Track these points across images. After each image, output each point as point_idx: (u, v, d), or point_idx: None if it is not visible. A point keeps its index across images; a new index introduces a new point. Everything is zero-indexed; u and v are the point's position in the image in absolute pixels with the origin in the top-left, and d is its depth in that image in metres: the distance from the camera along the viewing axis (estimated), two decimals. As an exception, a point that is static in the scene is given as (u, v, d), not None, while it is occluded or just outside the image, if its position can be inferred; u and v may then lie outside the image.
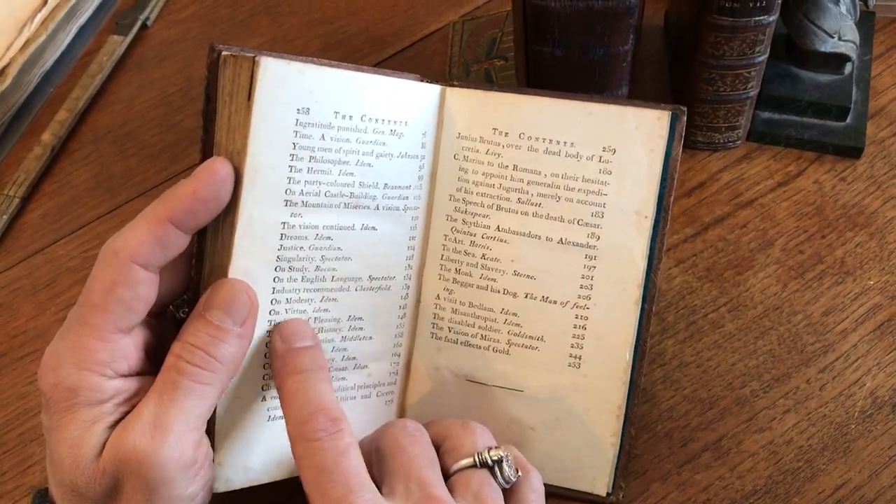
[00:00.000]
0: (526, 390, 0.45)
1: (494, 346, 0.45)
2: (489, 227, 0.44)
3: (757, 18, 0.50)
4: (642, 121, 0.43)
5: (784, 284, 0.52)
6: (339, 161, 0.40)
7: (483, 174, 0.44)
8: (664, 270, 0.53)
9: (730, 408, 0.48)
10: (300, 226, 0.40)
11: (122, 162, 0.63)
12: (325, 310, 0.42)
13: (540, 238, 0.44)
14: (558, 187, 0.43)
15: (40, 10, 0.67)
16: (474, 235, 0.44)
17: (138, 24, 0.69)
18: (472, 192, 0.44)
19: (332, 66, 0.40)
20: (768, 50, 0.52)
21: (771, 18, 0.50)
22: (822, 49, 0.56)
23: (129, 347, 0.37)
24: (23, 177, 0.61)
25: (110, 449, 0.36)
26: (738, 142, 0.58)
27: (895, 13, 0.63)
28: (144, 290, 0.37)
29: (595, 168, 0.43)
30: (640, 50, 0.62)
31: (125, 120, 0.65)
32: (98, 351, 0.36)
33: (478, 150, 0.44)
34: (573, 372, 0.44)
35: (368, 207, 0.42)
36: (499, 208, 0.44)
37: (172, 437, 0.36)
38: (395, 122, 0.42)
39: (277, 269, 0.40)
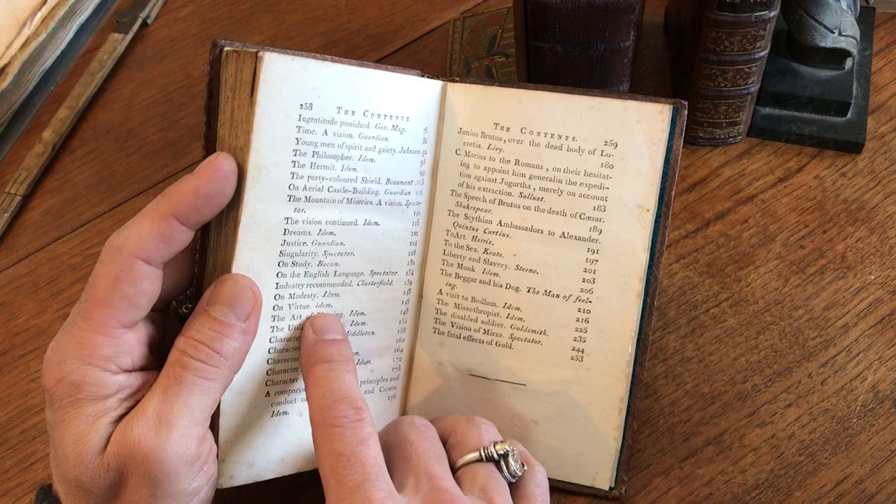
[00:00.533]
0: (529, 384, 0.45)
1: (497, 341, 0.45)
2: (491, 222, 0.44)
3: (757, 14, 0.50)
4: (644, 114, 0.43)
5: (785, 279, 0.52)
6: (342, 156, 0.40)
7: (485, 169, 0.44)
8: (665, 266, 0.53)
9: (731, 402, 0.48)
10: (303, 221, 0.40)
11: (123, 159, 0.63)
12: (328, 305, 0.42)
13: (542, 232, 0.44)
14: (560, 181, 0.43)
15: (40, 8, 0.67)
16: (476, 230, 0.44)
17: (138, 21, 0.70)
18: (473, 187, 0.44)
19: (334, 61, 0.40)
20: (769, 46, 0.52)
21: (771, 14, 0.50)
22: (823, 44, 0.56)
23: (132, 343, 0.37)
24: (24, 174, 0.61)
25: (114, 444, 0.36)
26: (739, 137, 0.58)
27: (895, 8, 0.63)
28: (148, 286, 0.37)
29: (597, 162, 0.43)
30: (640, 46, 0.62)
31: (126, 117, 0.65)
32: (102, 346, 0.36)
33: (479, 145, 0.44)
34: (576, 366, 0.44)
35: (371, 203, 0.42)
36: (501, 203, 0.44)
37: (176, 432, 0.36)
38: (397, 117, 0.42)
39: (281, 264, 0.40)
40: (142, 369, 0.38)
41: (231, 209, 0.38)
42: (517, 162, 0.44)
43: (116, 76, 0.68)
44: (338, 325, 0.41)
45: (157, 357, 0.39)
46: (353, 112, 0.40)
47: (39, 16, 0.67)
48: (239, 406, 0.40)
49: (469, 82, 0.44)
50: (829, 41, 0.56)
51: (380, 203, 0.42)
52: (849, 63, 0.58)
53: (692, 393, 0.49)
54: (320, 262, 0.41)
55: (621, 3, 0.48)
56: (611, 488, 0.45)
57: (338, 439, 0.36)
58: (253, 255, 0.39)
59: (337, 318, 0.42)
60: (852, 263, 0.52)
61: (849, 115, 0.57)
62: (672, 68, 0.61)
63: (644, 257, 0.43)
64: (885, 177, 0.56)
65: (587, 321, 0.44)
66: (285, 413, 0.42)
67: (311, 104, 0.39)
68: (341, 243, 0.41)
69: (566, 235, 0.44)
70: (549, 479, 0.42)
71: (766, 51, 0.53)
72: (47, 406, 0.37)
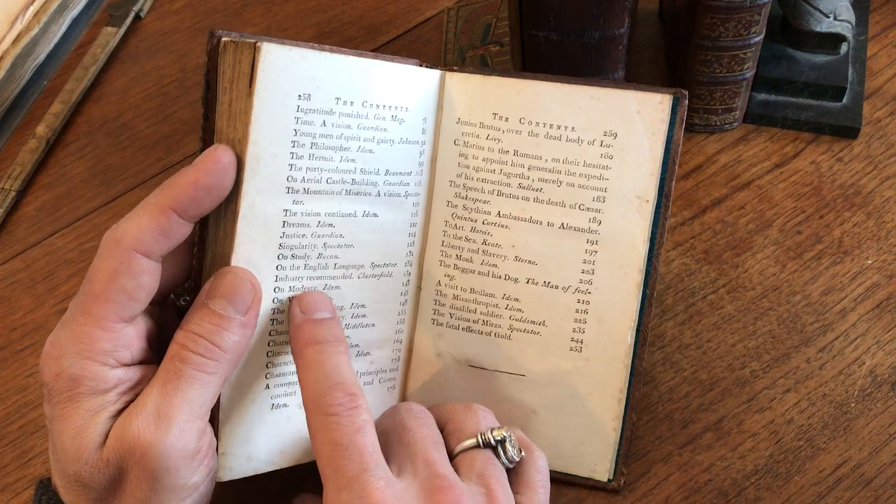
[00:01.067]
0: (528, 375, 0.45)
1: (496, 332, 0.45)
2: (490, 213, 0.44)
3: (752, -1, 0.50)
4: (644, 105, 0.43)
5: (782, 265, 0.52)
6: (341, 147, 0.40)
7: (483, 160, 0.44)
8: (662, 253, 0.53)
9: (730, 388, 0.48)
10: (302, 213, 0.40)
11: (117, 153, 0.63)
12: (329, 298, 0.42)
13: (541, 223, 0.44)
14: (559, 172, 0.43)
15: (32, 2, 0.66)
16: (475, 221, 0.44)
17: (131, 15, 0.69)
18: (472, 178, 0.44)
19: (333, 51, 0.40)
20: (764, 31, 0.52)
21: (766, -1, 0.50)
22: (818, 29, 0.56)
23: (131, 336, 0.37)
24: (18, 170, 0.61)
25: (114, 439, 0.36)
26: (735, 124, 0.58)
27: (889, -7, 0.63)
28: (147, 279, 0.37)
29: (596, 152, 0.43)
30: (635, 33, 0.62)
31: (120, 111, 0.65)
32: (100, 340, 0.36)
33: (478, 136, 0.44)
34: (575, 356, 0.44)
35: (370, 194, 0.42)
36: (499, 194, 0.44)
37: (176, 426, 0.36)
38: (395, 107, 0.42)
39: (280, 256, 0.40)
40: (141, 363, 0.38)
41: (230, 201, 0.38)
42: (516, 153, 0.44)
43: (110, 70, 0.67)
44: (326, 301, 0.40)
45: (155, 351, 0.39)
46: (351, 103, 0.40)
47: (31, 10, 0.66)
48: (238, 399, 0.40)
49: (468, 72, 0.44)
50: (825, 26, 0.56)
51: (379, 194, 0.42)
52: (844, 48, 0.58)
53: (690, 379, 0.49)
54: (320, 255, 0.41)
55: (616, -10, 0.48)
56: (609, 480, 0.45)
57: (334, 428, 0.36)
58: (252, 248, 0.39)
59: (324, 294, 0.41)
60: (849, 248, 0.53)
61: (844, 100, 0.57)
62: (667, 55, 0.61)
63: (644, 248, 0.43)
64: (882, 161, 0.56)
65: (586, 312, 0.44)
66: (285, 405, 0.42)
67: (310, 95, 0.38)
68: (341, 235, 0.41)
69: (565, 226, 0.44)
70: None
71: (762, 36, 0.53)
72: (46, 401, 0.37)
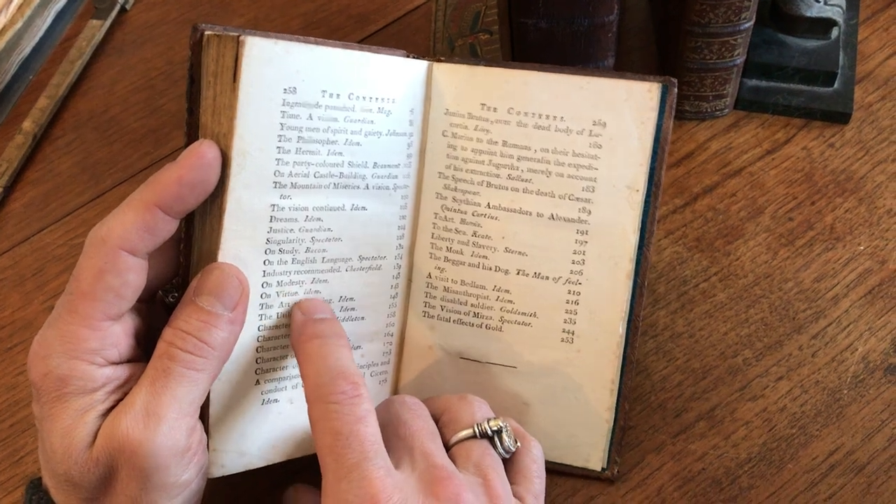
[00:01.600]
0: (519, 366, 0.45)
1: (487, 324, 0.45)
2: (479, 205, 0.44)
3: (742, -15, 0.50)
4: (633, 93, 0.42)
5: (774, 252, 0.52)
6: (328, 141, 0.40)
7: (472, 151, 0.44)
8: (654, 242, 0.53)
9: (723, 377, 0.48)
10: (289, 208, 0.39)
11: (105, 148, 0.62)
12: (317, 291, 0.42)
13: (531, 214, 0.43)
14: (548, 162, 0.43)
15: (16, -5, 0.66)
16: (465, 213, 0.44)
17: (117, 7, 0.68)
18: (461, 170, 0.44)
19: (318, 43, 0.39)
20: (754, 16, 0.52)
21: (756, -16, 0.50)
22: (808, 14, 0.56)
23: (118, 334, 0.37)
24: (5, 166, 0.61)
25: (103, 438, 0.36)
26: (726, 110, 0.58)
27: (880, -23, 0.62)
28: (133, 277, 0.37)
29: (585, 142, 0.43)
30: (625, 20, 0.62)
31: (107, 105, 0.64)
32: (88, 339, 0.36)
33: (466, 127, 0.44)
34: (566, 347, 0.44)
35: (358, 187, 0.42)
36: (489, 185, 0.44)
37: (165, 424, 0.36)
38: (382, 99, 0.42)
39: (268, 251, 0.39)
40: (129, 361, 0.38)
41: (216, 197, 0.38)
42: (504, 143, 0.43)
43: (96, 63, 0.67)
44: (326, 307, 0.41)
45: (144, 348, 0.39)
46: (337, 95, 0.40)
47: (15, 3, 0.66)
48: (229, 395, 0.40)
49: (455, 62, 0.44)
50: (815, 10, 0.56)
51: (367, 187, 0.42)
52: (835, 32, 0.57)
53: (683, 368, 0.49)
54: (308, 249, 0.41)
55: (605, -23, 0.47)
56: (603, 469, 0.45)
57: (335, 417, 0.36)
58: (239, 243, 0.38)
59: (325, 301, 0.41)
60: (841, 234, 0.52)
61: (836, 86, 0.57)
62: (658, 42, 0.61)
63: (634, 238, 0.43)
64: (873, 146, 0.55)
65: (577, 303, 0.44)
66: (275, 401, 0.42)
67: (295, 88, 0.38)
68: (329, 229, 0.41)
69: (555, 217, 0.43)
70: None
71: (752, 22, 0.52)
72: (34, 400, 0.37)
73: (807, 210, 0.54)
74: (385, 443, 0.38)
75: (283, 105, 0.38)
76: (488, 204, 0.44)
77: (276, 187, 0.39)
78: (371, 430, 0.36)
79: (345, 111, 0.40)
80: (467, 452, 0.39)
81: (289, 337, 0.41)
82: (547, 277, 0.44)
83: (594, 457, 0.45)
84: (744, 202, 0.54)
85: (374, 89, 0.41)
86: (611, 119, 0.42)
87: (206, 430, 0.39)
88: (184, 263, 0.39)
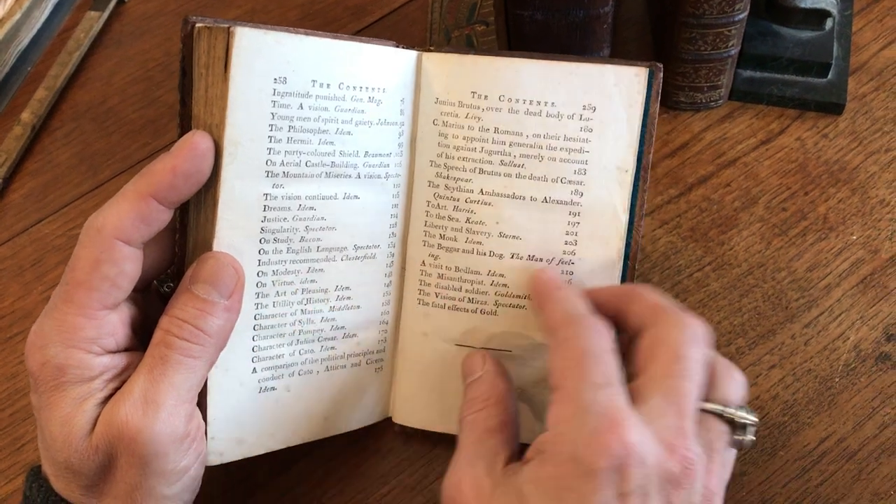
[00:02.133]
0: (514, 350, 0.45)
1: (482, 308, 0.45)
2: (472, 191, 0.44)
3: (736, -25, 0.50)
4: (621, 78, 0.43)
5: (768, 242, 0.52)
6: (319, 130, 0.40)
7: (464, 138, 0.44)
8: (649, 232, 0.53)
9: (716, 365, 0.49)
10: (282, 197, 0.40)
11: (103, 139, 0.62)
12: (313, 280, 0.42)
13: (524, 198, 0.44)
14: (541, 147, 0.44)
15: (14, -13, 0.66)
16: (457, 200, 0.45)
17: (115, -2, 0.69)
18: (453, 157, 0.44)
19: (308, 34, 0.39)
20: (748, 8, 0.52)
21: (750, -25, 0.50)
22: (802, 5, 0.56)
23: (115, 323, 0.38)
24: (4, 157, 0.61)
25: (102, 425, 0.36)
26: (721, 101, 0.58)
27: (875, -33, 0.62)
28: (129, 266, 0.37)
29: (576, 126, 0.44)
30: (620, 11, 0.62)
31: (105, 96, 0.65)
32: (85, 328, 0.36)
33: (457, 115, 0.44)
34: None
35: (350, 176, 0.42)
36: (481, 172, 0.44)
37: (164, 411, 0.36)
38: (372, 88, 0.42)
39: (262, 241, 0.40)
40: (126, 350, 0.38)
41: (209, 187, 0.38)
42: (496, 130, 0.44)
43: (94, 55, 0.67)
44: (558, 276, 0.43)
45: (140, 337, 0.39)
46: (328, 85, 0.40)
47: (13, -5, 0.66)
48: (226, 384, 0.40)
49: (444, 51, 0.44)
50: (809, 1, 0.56)
51: (359, 176, 0.42)
52: (829, 23, 0.57)
53: (677, 357, 0.49)
54: (302, 238, 0.41)
55: (599, -33, 0.47)
56: None
57: (589, 337, 0.37)
58: (233, 233, 0.39)
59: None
60: (834, 224, 0.53)
61: (830, 76, 0.57)
62: (653, 33, 0.61)
63: (624, 217, 0.44)
64: (867, 137, 0.56)
65: (570, 283, 0.44)
66: (273, 389, 0.42)
67: (286, 78, 0.38)
68: (322, 218, 0.41)
69: (548, 200, 0.44)
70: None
71: (746, 13, 0.52)
72: (32, 390, 0.38)
73: (800, 200, 0.54)
74: (646, 365, 0.37)
75: (274, 95, 0.38)
76: (481, 190, 0.44)
77: (268, 176, 0.39)
78: (617, 366, 0.36)
79: (335, 101, 0.40)
80: (707, 427, 0.36)
81: (289, 325, 0.41)
82: (540, 259, 0.44)
83: None
84: (738, 192, 0.54)
85: (363, 79, 0.41)
86: (600, 103, 0.43)
87: (204, 418, 0.40)
88: (179, 253, 0.40)
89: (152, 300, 0.42)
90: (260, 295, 0.40)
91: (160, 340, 0.37)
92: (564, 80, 0.43)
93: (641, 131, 0.43)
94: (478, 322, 0.45)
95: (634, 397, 0.35)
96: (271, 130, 0.39)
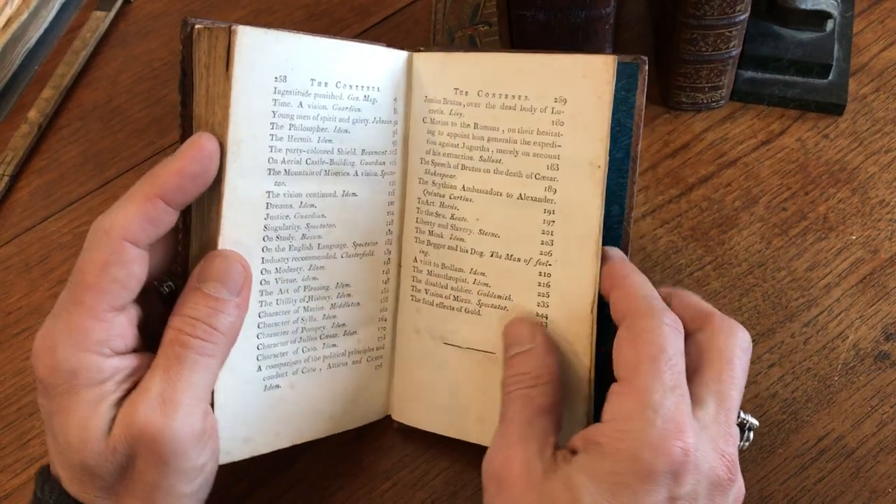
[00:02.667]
0: (497, 352, 0.44)
1: (466, 307, 0.44)
2: (456, 188, 0.44)
3: (737, -23, 0.50)
4: (589, 68, 0.41)
5: (768, 242, 0.53)
6: (318, 128, 0.41)
7: (448, 135, 0.44)
8: (650, 231, 0.54)
9: (715, 364, 0.49)
10: (284, 194, 0.40)
11: (109, 137, 0.63)
12: (314, 278, 0.42)
13: (501, 195, 0.43)
14: (515, 142, 0.43)
15: (22, -13, 0.67)
16: (443, 196, 0.44)
17: (121, -2, 0.69)
18: (439, 154, 0.44)
19: (305, 34, 0.40)
20: (749, 9, 0.52)
21: (751, -24, 0.50)
22: (803, 6, 0.56)
23: (124, 325, 0.38)
24: (11, 155, 0.62)
25: (121, 426, 0.36)
26: (722, 102, 0.58)
27: (877, -32, 0.63)
28: (137, 268, 0.37)
29: (548, 120, 0.42)
30: (622, 12, 0.62)
31: (111, 95, 0.65)
32: (95, 331, 0.36)
33: (442, 112, 0.44)
34: None
35: (348, 174, 0.42)
36: (463, 168, 0.44)
37: (182, 410, 0.36)
38: (368, 87, 0.43)
39: (265, 238, 0.40)
40: (134, 351, 0.38)
41: (213, 186, 0.38)
42: (475, 125, 0.43)
43: (100, 54, 0.67)
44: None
45: (144, 337, 0.39)
46: (325, 84, 0.41)
47: (21, -5, 0.66)
48: (232, 382, 0.40)
49: (433, 50, 0.44)
50: (810, 3, 0.56)
51: (356, 174, 0.43)
52: (830, 24, 0.58)
53: (677, 355, 0.49)
54: (303, 235, 0.41)
55: (601, -31, 0.48)
56: None
57: (664, 338, 0.36)
58: (238, 231, 0.39)
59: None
60: (834, 224, 0.53)
61: (830, 77, 0.57)
62: (654, 34, 0.61)
63: (598, 216, 0.42)
64: (867, 138, 0.56)
65: (549, 285, 0.43)
66: (277, 387, 0.42)
67: (286, 76, 0.39)
68: (322, 215, 0.42)
69: (523, 197, 0.43)
70: None
71: (747, 14, 0.53)
72: (40, 394, 0.38)
73: (800, 200, 0.54)
74: (700, 370, 0.38)
75: (275, 93, 0.39)
76: (463, 186, 0.44)
77: (270, 174, 0.40)
78: (683, 366, 0.36)
79: (333, 99, 0.41)
80: None
81: (292, 323, 0.42)
82: (518, 259, 0.43)
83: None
84: (738, 192, 0.55)
85: (359, 78, 0.42)
86: (571, 95, 0.42)
87: None
88: (182, 253, 0.40)
89: (152, 300, 0.42)
90: (264, 293, 0.41)
91: (173, 340, 0.37)
92: (536, 72, 0.42)
93: (620, 124, 0.42)
94: (462, 321, 0.45)
95: (691, 400, 0.36)
96: (273, 128, 0.39)
